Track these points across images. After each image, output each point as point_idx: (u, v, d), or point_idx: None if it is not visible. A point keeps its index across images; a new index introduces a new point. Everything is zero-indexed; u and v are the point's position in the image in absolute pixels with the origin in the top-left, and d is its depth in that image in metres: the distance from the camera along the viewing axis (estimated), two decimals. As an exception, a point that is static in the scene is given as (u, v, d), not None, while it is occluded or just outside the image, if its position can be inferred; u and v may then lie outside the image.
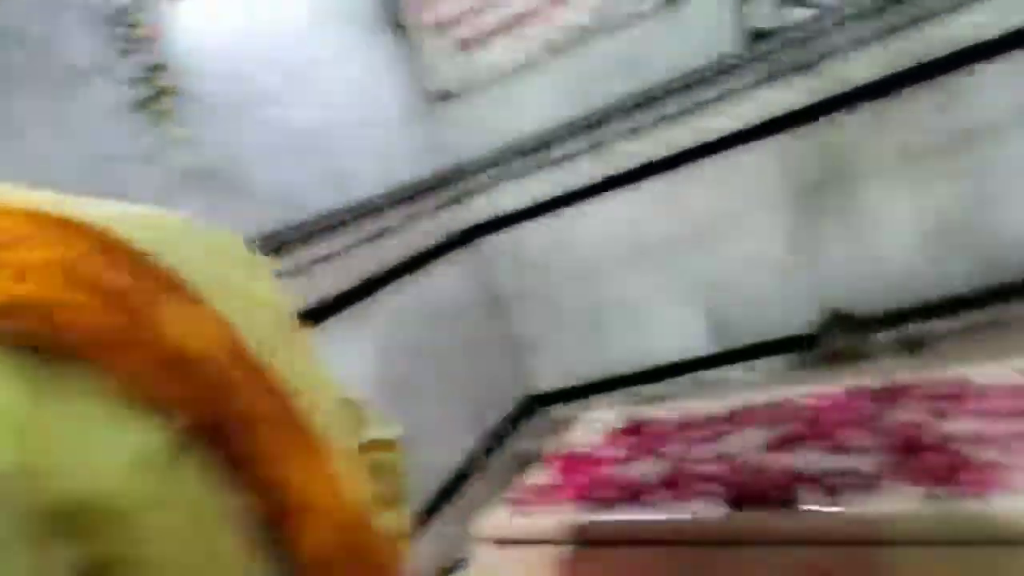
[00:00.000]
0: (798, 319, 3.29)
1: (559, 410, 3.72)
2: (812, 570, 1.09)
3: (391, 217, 2.98)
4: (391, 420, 0.80)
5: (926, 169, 3.00)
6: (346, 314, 2.63)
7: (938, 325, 3.08)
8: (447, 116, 3.51)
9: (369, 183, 2.88)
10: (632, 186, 3.40)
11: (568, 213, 3.52)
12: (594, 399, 3.59)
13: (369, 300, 2.76)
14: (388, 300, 2.89)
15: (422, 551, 2.45)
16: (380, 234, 2.88)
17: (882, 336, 3.15)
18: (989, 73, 2.85)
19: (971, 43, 2.84)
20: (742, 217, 3.29)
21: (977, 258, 3.03)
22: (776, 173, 3.21)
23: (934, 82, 2.92)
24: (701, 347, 3.53)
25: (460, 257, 3.56)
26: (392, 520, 0.72)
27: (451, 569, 1.90)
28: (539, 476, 1.57)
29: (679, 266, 3.45)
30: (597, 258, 3.56)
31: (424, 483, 2.91)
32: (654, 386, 3.55)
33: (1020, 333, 2.85)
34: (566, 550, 1.35)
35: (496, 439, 3.53)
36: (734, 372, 3.42)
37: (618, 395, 3.57)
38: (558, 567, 1.35)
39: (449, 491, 3.00)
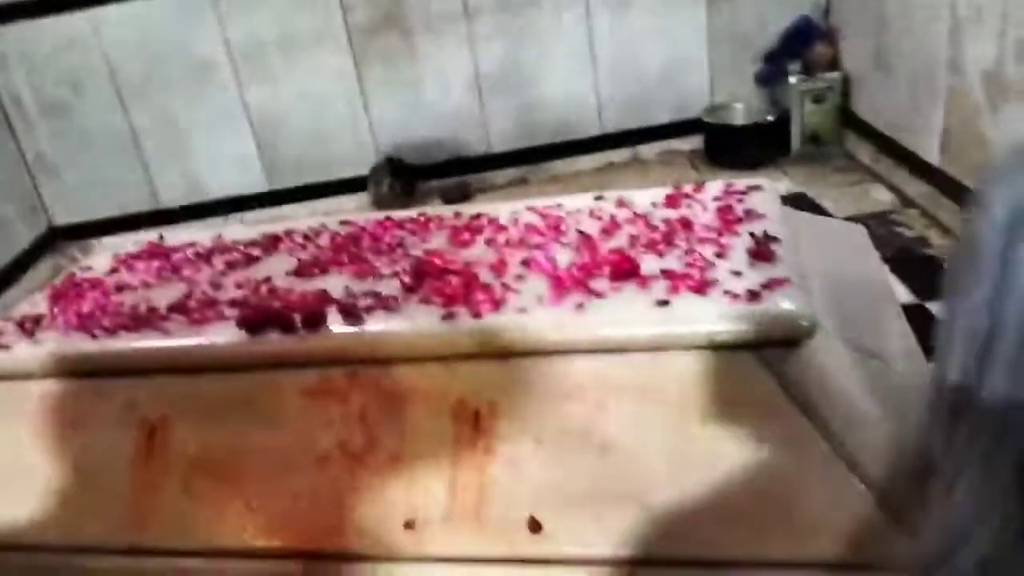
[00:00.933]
0: (354, 162, 3.29)
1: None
2: (328, 389, 1.08)
3: None
4: None
5: (481, 27, 3.14)
6: None
7: (480, 177, 3.33)
8: None
9: None
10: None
11: (95, 14, 3.00)
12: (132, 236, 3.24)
13: None
14: None
15: None
16: None
17: (431, 184, 3.32)
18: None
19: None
20: (301, 50, 3.13)
21: (516, 120, 3.30)
22: (335, 8, 3.08)
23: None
24: (256, 184, 3.36)
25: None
26: None
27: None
28: (31, 305, 1.33)
29: (230, 94, 3.19)
30: (134, 73, 3.13)
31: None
32: (203, 223, 3.31)
33: (545, 187, 3.22)
34: (56, 384, 1.17)
35: (10, 278, 3.01)
36: (291, 211, 3.32)
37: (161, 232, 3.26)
38: (49, 402, 1.17)
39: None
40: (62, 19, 2.99)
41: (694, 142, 3.27)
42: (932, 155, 2.53)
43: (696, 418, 0.98)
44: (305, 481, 1.05)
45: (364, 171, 3.27)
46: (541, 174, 3.35)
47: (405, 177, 3.22)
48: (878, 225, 2.60)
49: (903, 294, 2.18)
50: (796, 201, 2.72)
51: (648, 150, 3.31)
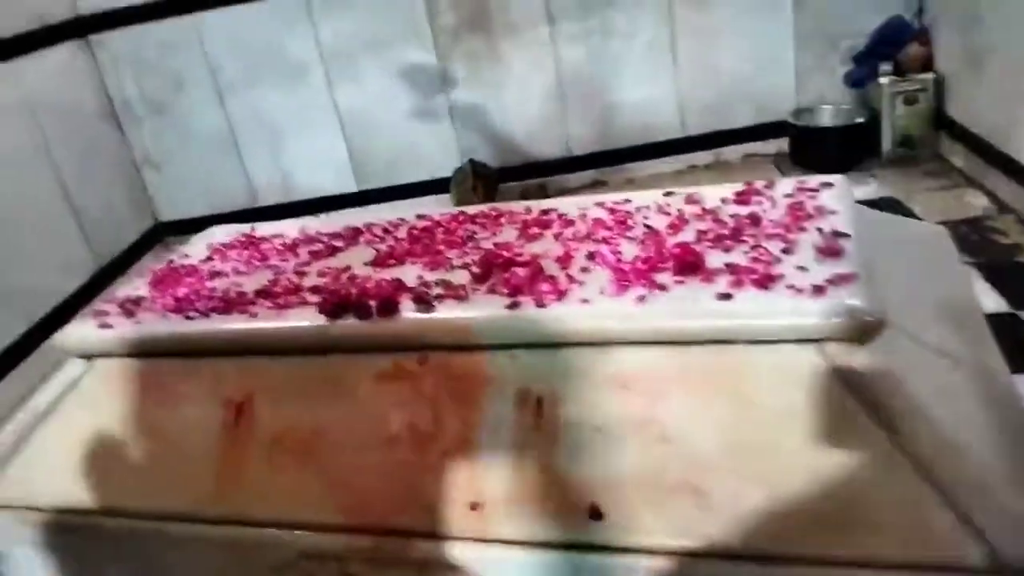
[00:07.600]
0: (438, 164, 3.37)
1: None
2: (400, 373, 1.13)
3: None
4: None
5: (562, 29, 3.17)
6: None
7: (559, 180, 3.37)
8: None
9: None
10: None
11: (198, 19, 3.17)
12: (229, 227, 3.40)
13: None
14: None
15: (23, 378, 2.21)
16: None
17: (509, 186, 3.37)
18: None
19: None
20: (385, 48, 3.23)
21: (596, 122, 3.32)
22: (422, 8, 3.17)
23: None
24: (346, 184, 3.48)
25: (62, 54, 3.05)
26: None
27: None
28: (130, 289, 1.43)
29: (322, 93, 3.31)
30: (231, 71, 3.29)
31: (29, 313, 2.63)
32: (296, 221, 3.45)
33: (623, 189, 3.23)
34: (153, 362, 1.26)
35: (118, 271, 3.21)
36: (377, 211, 3.42)
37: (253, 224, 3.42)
38: (146, 379, 1.26)
39: (59, 322, 2.73)
40: (167, 23, 3.17)
41: (779, 145, 3.22)
42: (1031, 159, 2.43)
43: (756, 412, 0.98)
44: (377, 460, 1.10)
45: (447, 173, 3.35)
46: (619, 176, 3.36)
47: (487, 179, 3.28)
48: (971, 231, 2.51)
49: (996, 302, 2.10)
50: (886, 206, 2.65)
51: (731, 152, 3.27)
